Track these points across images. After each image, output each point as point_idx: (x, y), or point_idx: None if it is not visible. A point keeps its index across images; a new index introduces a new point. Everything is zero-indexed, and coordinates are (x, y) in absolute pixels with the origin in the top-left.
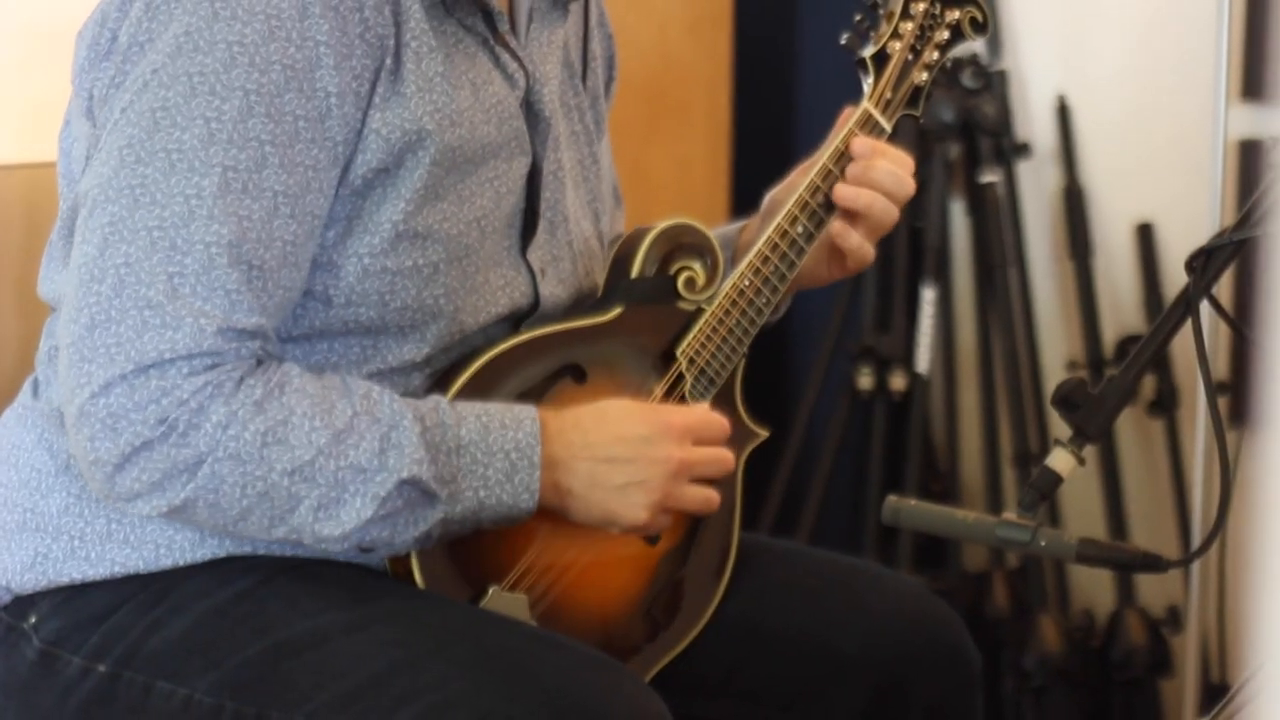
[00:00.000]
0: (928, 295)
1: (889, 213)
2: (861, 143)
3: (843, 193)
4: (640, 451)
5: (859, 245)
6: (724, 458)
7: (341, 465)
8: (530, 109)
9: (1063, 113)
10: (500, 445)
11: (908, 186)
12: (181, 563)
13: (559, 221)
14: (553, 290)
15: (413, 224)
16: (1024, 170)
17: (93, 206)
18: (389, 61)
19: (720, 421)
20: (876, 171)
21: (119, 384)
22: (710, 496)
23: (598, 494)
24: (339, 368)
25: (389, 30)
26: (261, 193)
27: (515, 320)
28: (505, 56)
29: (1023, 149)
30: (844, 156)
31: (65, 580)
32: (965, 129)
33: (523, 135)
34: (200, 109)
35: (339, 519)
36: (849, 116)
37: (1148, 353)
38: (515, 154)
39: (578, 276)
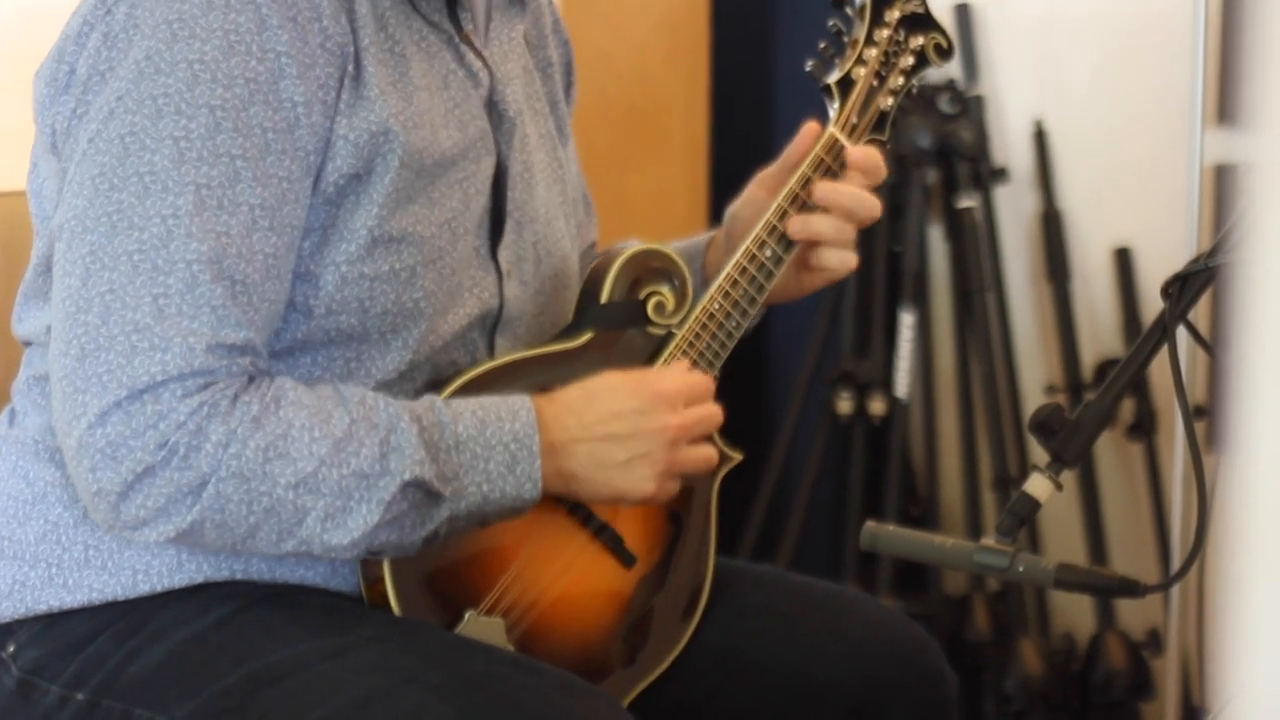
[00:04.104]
0: (906, 320)
1: (843, 232)
2: (824, 186)
3: (793, 225)
4: (637, 424)
5: (840, 262)
6: (715, 413)
7: (345, 473)
8: (494, 108)
9: (1040, 137)
10: (499, 438)
11: (870, 207)
12: (159, 588)
13: (526, 222)
14: (516, 292)
15: (387, 228)
16: (1002, 195)
17: (71, 238)
18: (351, 68)
19: (704, 379)
20: (836, 194)
21: (114, 412)
22: (709, 455)
23: (602, 474)
24: (324, 383)
25: (347, 38)
26: (237, 207)
27: (484, 321)
28: (470, 55)
29: (1000, 174)
30: (810, 181)
31: (43, 608)
32: (942, 154)
33: (487, 135)
34: (168, 129)
35: (347, 527)
36: (813, 133)
37: (1124, 378)
38: (482, 154)
39: (541, 277)
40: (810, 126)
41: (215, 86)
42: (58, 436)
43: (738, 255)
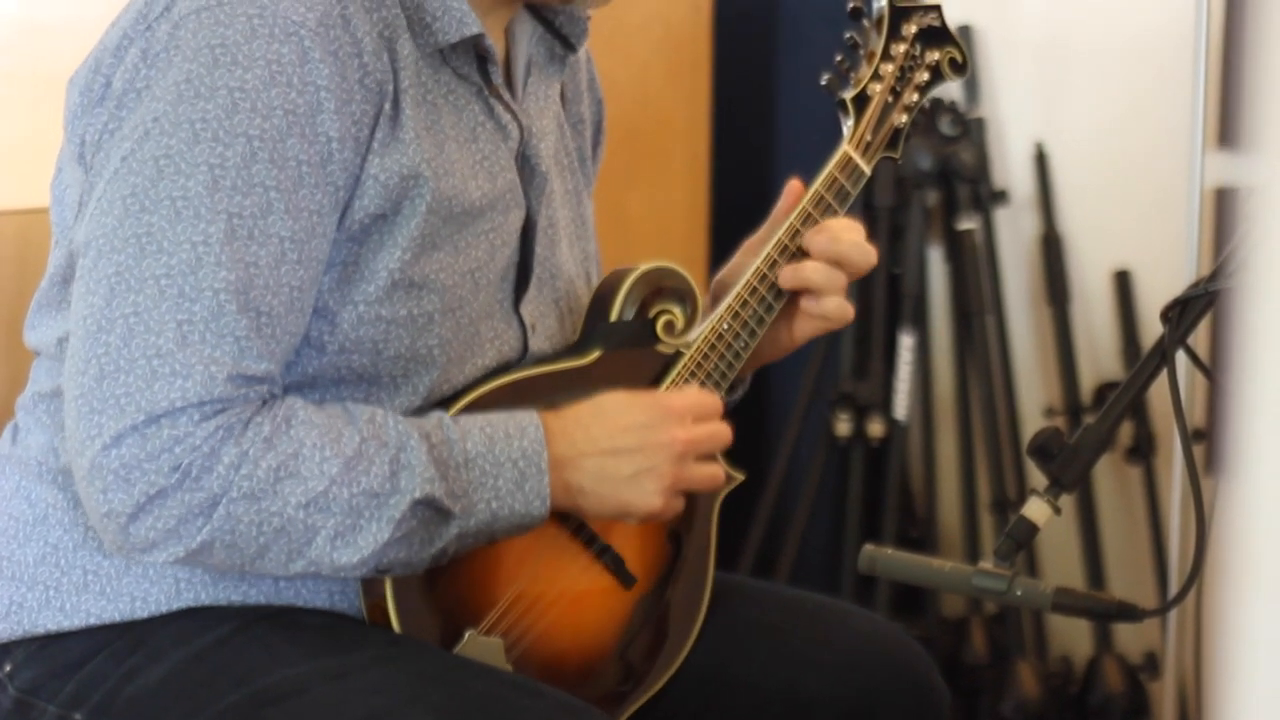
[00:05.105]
0: (906, 342)
1: (833, 280)
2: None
3: (784, 275)
4: (645, 438)
5: (837, 308)
6: (723, 431)
7: (355, 492)
8: (525, 162)
9: (1040, 160)
10: (507, 455)
11: (869, 256)
12: (158, 614)
13: (547, 278)
14: (540, 346)
15: (409, 273)
16: (1002, 217)
17: (97, 256)
18: (388, 107)
19: (714, 398)
20: (843, 245)
21: (130, 435)
22: (716, 473)
23: (608, 487)
24: (333, 402)
25: (387, 76)
26: (268, 239)
27: (500, 373)
28: (499, 108)
29: (1000, 196)
30: (808, 220)
31: (40, 630)
32: (943, 176)
33: (516, 188)
34: (204, 156)
35: (356, 545)
36: (796, 191)
37: (1123, 403)
38: (511, 207)
39: (564, 333)
40: (793, 185)
41: (254, 116)
42: (69, 455)
43: (748, 275)
